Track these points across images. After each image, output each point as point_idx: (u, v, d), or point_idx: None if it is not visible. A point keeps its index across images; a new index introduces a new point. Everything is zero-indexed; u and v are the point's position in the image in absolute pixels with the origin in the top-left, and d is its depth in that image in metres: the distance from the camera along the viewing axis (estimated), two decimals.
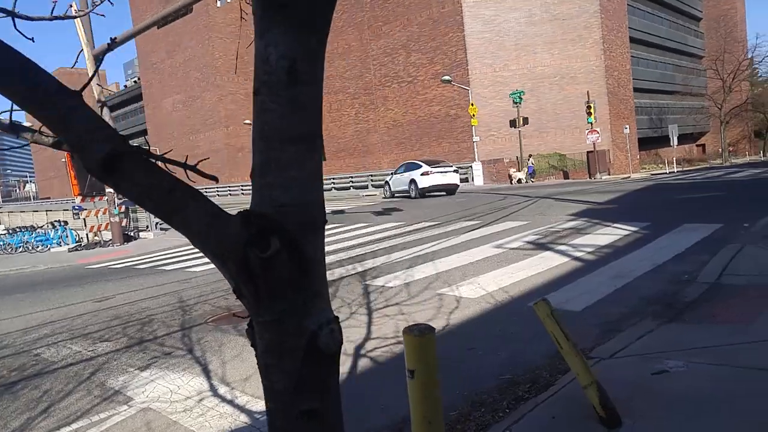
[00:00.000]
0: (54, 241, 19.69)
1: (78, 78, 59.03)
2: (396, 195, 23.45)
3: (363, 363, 4.43)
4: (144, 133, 64.82)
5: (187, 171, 1.16)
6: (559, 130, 34.81)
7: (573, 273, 6.47)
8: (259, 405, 3.99)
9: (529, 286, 6.08)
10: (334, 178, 36.92)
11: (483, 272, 6.96)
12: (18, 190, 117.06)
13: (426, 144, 37.63)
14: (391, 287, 6.72)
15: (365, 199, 24.03)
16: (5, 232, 23.96)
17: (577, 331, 4.44)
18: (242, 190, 42.68)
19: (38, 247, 19.76)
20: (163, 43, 56.65)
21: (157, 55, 58.07)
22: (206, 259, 8.37)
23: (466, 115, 32.53)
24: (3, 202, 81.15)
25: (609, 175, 30.56)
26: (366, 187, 33.23)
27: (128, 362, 5.08)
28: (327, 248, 9.76)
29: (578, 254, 7.39)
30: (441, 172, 21.34)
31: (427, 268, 7.59)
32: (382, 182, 26.71)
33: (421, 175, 21.19)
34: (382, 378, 4.13)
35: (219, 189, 45.02)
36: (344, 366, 4.38)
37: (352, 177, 35.78)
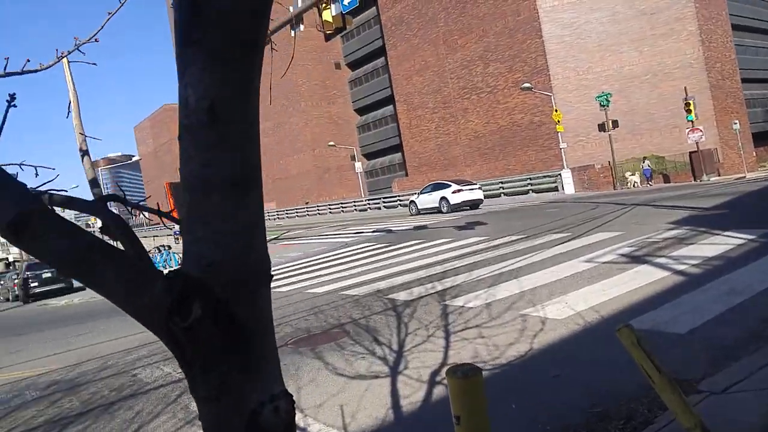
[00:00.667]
0: (160, 265, 21.19)
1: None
2: (422, 212, 25.95)
3: (438, 391, 4.20)
4: None
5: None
6: (654, 131, 32.53)
7: (675, 289, 5.82)
8: None
9: (624, 304, 5.55)
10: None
11: (571, 290, 6.47)
12: (133, 218, 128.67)
13: (510, 153, 36.64)
14: (471, 308, 6.42)
15: (449, 214, 23.70)
16: None
17: (680, 358, 3.93)
18: (330, 209, 43.84)
19: None
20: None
21: (269, 82, 61.67)
22: (292, 279, 8.57)
23: (550, 121, 31.33)
24: None
25: (718, 176, 27.95)
26: None
27: None
28: (408, 265, 9.62)
29: (681, 267, 6.67)
30: (469, 189, 24.02)
31: (510, 286, 7.20)
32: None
33: (452, 192, 23.72)
34: None
35: (309, 209, 46.58)
36: (418, 393, 4.18)
37: None
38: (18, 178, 1.13)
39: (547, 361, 4.42)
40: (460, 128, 40.43)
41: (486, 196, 31.56)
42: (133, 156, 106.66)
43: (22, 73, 1.26)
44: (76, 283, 20.98)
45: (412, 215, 26.47)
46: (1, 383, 6.72)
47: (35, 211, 0.80)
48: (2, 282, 24.76)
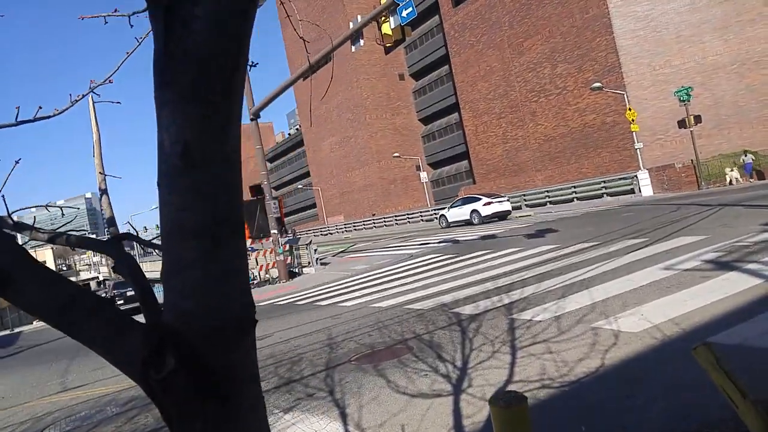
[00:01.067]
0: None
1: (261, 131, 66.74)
2: (451, 225, 27.85)
3: None
4: (307, 174, 70.68)
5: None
6: (745, 124, 30.14)
7: None
8: None
9: (708, 316, 5.08)
10: None
11: (648, 300, 6.03)
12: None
13: (583, 155, 35.19)
14: (539, 321, 6.13)
15: (518, 221, 23.07)
16: None
17: None
18: (396, 220, 43.96)
19: None
20: (317, 90, 61.81)
21: (313, 103, 63.40)
22: (357, 293, 8.64)
23: (624, 121, 29.82)
24: None
25: None
26: (519, 207, 31.93)
27: (275, 403, 5.24)
28: (474, 277, 9.41)
29: None
30: (498, 202, 25.86)
31: (581, 297, 6.82)
32: (521, 203, 28.65)
33: (483, 205, 25.60)
34: None
35: (375, 221, 46.99)
36: (481, 413, 4.01)
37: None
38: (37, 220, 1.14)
39: (621, 379, 4.11)
40: (529, 132, 39.40)
41: (557, 201, 30.53)
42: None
43: (35, 120, 1.29)
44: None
45: (442, 228, 28.30)
46: (86, 399, 7.15)
47: (17, 267, 0.78)
48: None
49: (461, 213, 26.81)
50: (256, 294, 16.55)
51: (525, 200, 32.13)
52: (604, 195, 29.07)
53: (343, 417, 4.58)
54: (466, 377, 4.89)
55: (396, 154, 48.12)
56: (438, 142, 54.19)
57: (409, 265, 14.88)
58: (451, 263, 13.03)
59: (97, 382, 8.24)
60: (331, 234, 52.08)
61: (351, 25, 14.91)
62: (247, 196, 20.50)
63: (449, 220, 27.85)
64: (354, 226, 49.97)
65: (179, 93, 0.75)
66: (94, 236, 1.24)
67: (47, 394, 8.13)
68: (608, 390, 4.00)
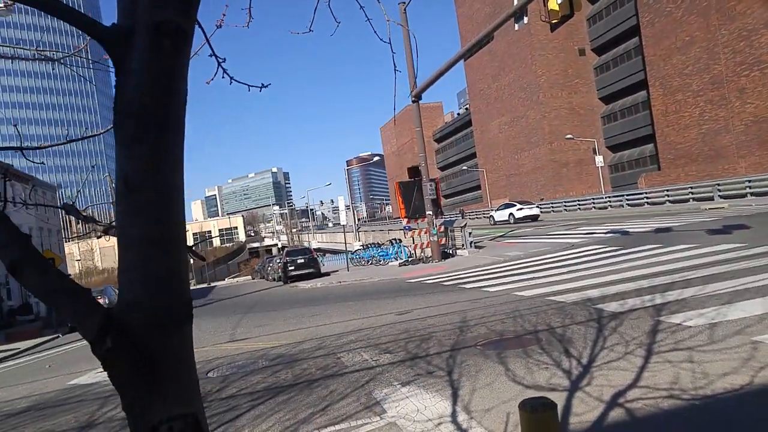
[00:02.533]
0: (392, 256, 23.08)
1: (429, 111, 68.97)
2: (496, 224, 35.92)
3: (615, 414, 3.75)
4: (473, 156, 70.14)
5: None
6: None
7: None
8: None
9: None
10: (668, 190, 32.19)
11: None
12: (380, 211, 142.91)
13: None
14: (689, 326, 5.47)
15: (706, 213, 20.32)
16: (360, 247, 29.45)
17: None
18: (565, 206, 41.46)
19: (380, 260, 23.52)
20: (489, 69, 60.46)
21: (484, 82, 62.29)
22: (503, 279, 8.70)
23: None
24: (368, 221, 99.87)
25: None
26: (711, 198, 27.84)
27: (396, 376, 5.53)
28: (632, 273, 8.80)
29: None
30: (528, 208, 34.89)
31: (750, 305, 5.90)
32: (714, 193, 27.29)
33: (517, 210, 34.64)
34: None
35: (542, 206, 44.91)
36: (592, 413, 3.82)
37: (692, 187, 30.52)
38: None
39: (766, 399, 3.54)
40: (734, 113, 33.99)
41: (761, 194, 25.98)
42: (381, 154, 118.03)
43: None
44: (322, 269, 24.21)
45: (491, 225, 36.47)
46: (245, 351, 8.28)
47: (22, 260, 1.04)
48: (272, 265, 30.21)
49: (504, 215, 35.77)
50: (407, 271, 17.18)
51: (719, 190, 27.92)
52: None
53: (454, 397, 4.68)
54: (587, 375, 4.63)
55: (569, 136, 45.16)
56: (619, 123, 49.49)
57: (566, 255, 14.12)
58: (612, 256, 12.06)
59: (256, 337, 9.46)
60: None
61: (515, 1, 14.35)
62: (404, 176, 21.15)
63: (496, 220, 36.85)
64: None
65: (123, 134, 0.98)
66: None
67: (218, 342, 9.60)
68: (746, 410, 3.49)
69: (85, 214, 1.50)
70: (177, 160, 1.01)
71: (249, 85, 1.73)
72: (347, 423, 4.45)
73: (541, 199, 48.06)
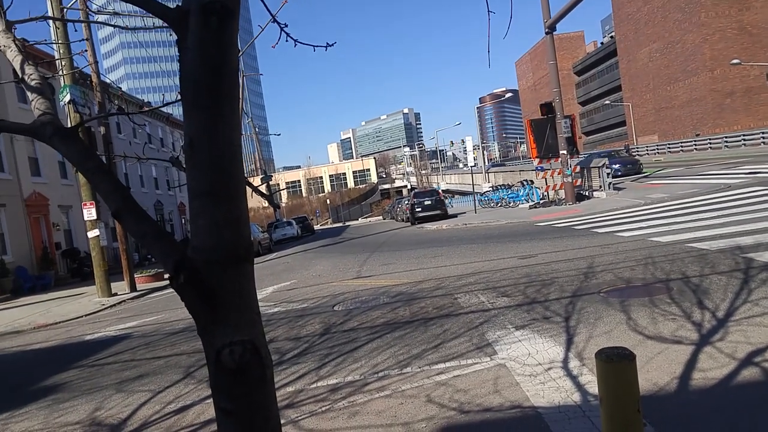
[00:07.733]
0: (522, 198, 22.41)
1: (568, 42, 63.22)
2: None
3: (749, 373, 3.46)
4: (618, 89, 64.01)
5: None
6: None
7: None
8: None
9: None
10: None
11: None
12: (514, 151, 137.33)
13: None
14: None
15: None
16: (490, 189, 28.90)
17: None
18: (726, 142, 36.39)
19: (510, 203, 22.97)
20: None
21: (633, 5, 55.63)
22: (640, 224, 8.31)
23: None
24: (502, 161, 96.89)
25: None
26: None
27: (511, 319, 5.54)
28: None
29: None
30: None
31: None
32: None
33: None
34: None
35: (697, 142, 39.97)
36: (720, 370, 3.57)
37: None
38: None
39: None
40: None
41: None
42: (516, 90, 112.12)
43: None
44: (448, 211, 24.20)
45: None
46: (369, 287, 8.76)
47: (122, 208, 1.27)
48: (401, 206, 31.00)
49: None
50: (537, 214, 16.62)
51: None
52: None
53: (568, 344, 4.60)
54: (721, 330, 4.26)
55: (736, 60, 39.09)
56: None
57: (718, 197, 12.64)
58: None
59: (381, 275, 9.95)
60: (640, 156, 46.81)
61: None
62: (537, 114, 20.06)
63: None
64: (669, 147, 43.63)
65: (185, 104, 1.12)
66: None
67: (346, 279, 10.26)
68: None
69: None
70: (232, 123, 1.13)
71: (314, 46, 1.80)
72: (457, 361, 4.60)
73: (697, 135, 42.90)
